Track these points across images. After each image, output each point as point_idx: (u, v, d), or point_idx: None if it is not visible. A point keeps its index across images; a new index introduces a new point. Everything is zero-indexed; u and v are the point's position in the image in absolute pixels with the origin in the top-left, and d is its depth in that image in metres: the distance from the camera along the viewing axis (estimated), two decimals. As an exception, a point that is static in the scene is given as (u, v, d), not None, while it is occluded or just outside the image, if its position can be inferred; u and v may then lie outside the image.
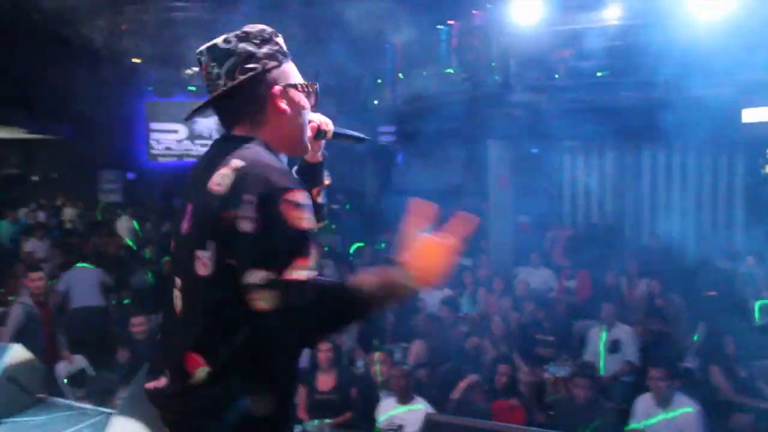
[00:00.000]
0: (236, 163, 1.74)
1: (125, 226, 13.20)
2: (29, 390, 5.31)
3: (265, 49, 1.87)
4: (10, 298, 7.88)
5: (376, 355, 6.09)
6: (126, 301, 9.33)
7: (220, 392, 1.77)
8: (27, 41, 14.25)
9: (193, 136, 18.40)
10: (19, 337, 6.51)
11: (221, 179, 1.72)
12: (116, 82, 17.09)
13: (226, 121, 1.91)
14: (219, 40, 1.86)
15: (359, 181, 17.08)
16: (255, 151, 1.79)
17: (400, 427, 5.24)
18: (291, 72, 1.94)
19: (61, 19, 13.12)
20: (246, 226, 1.67)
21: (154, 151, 18.47)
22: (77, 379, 6.56)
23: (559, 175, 13.52)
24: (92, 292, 8.26)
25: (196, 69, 16.78)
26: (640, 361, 6.83)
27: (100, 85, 17.00)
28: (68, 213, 15.81)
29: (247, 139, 1.84)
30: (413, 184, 16.11)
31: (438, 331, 6.85)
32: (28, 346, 5.17)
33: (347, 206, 15.27)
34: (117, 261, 10.16)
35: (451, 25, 13.53)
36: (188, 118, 1.95)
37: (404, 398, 5.37)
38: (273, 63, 1.88)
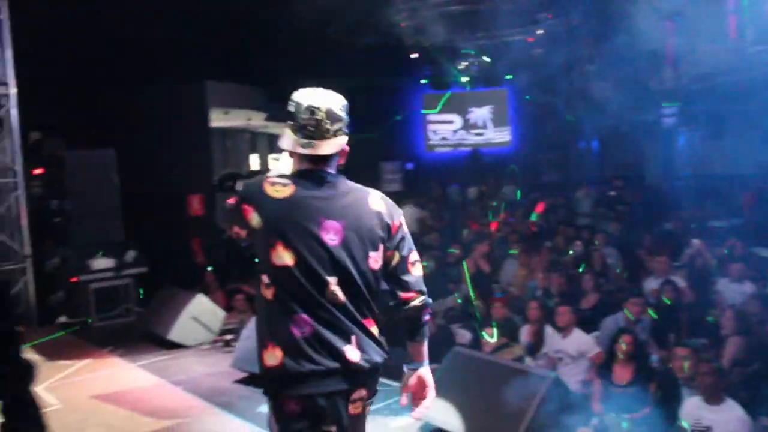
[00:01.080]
0: (375, 192, 2.75)
1: (408, 214, 13.90)
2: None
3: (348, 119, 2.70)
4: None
5: (678, 350, 5.81)
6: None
7: (382, 339, 2.67)
8: (310, 42, 15.49)
9: (467, 126, 18.84)
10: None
11: (377, 204, 2.70)
12: (396, 77, 18.03)
13: (321, 160, 2.67)
14: (335, 107, 2.64)
15: (638, 166, 16.39)
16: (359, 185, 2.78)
17: (708, 429, 4.98)
18: None
19: (345, 20, 14.08)
20: (406, 228, 2.77)
21: (431, 142, 19.19)
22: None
23: None
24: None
25: (467, 63, 17.07)
26: None
27: (382, 81, 18.05)
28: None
29: (344, 178, 2.74)
30: (701, 168, 15.12)
31: (748, 328, 6.38)
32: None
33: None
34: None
35: (741, -7, 12.43)
36: (312, 154, 2.65)
37: (713, 398, 5.08)
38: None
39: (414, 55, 16.85)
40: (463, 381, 4.04)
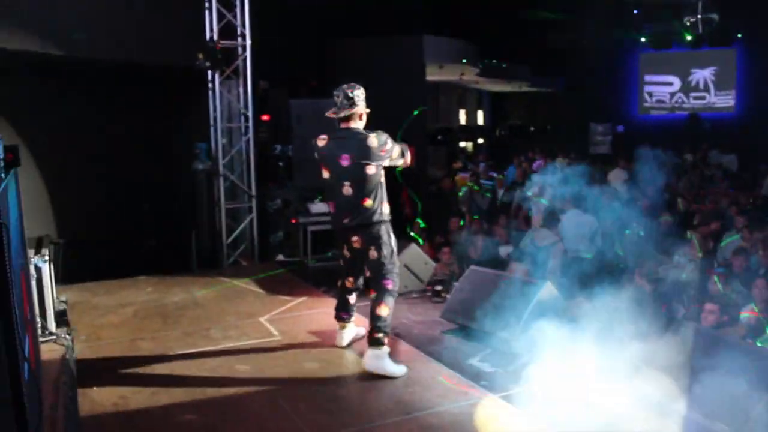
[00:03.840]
0: (372, 134, 5.02)
1: (617, 177, 13.42)
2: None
3: (362, 97, 5.11)
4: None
5: None
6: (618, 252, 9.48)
7: (376, 209, 5.12)
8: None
9: (688, 88, 17.70)
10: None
11: (372, 142, 5.00)
12: (610, 36, 17.25)
13: (345, 121, 5.10)
14: (348, 91, 5.04)
15: None
16: (367, 132, 5.09)
17: None
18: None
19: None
20: (390, 144, 5.14)
21: (646, 104, 18.27)
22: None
23: None
24: (581, 238, 8.60)
25: (693, 19, 15.91)
26: None
27: (595, 40, 17.35)
28: (560, 163, 16.64)
29: (359, 129, 5.12)
30: None
31: None
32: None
33: None
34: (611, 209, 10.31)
35: None
36: (338, 117, 5.11)
37: None
38: (364, 102, 5.14)
39: (635, 11, 16.02)
40: (687, 355, 3.91)
